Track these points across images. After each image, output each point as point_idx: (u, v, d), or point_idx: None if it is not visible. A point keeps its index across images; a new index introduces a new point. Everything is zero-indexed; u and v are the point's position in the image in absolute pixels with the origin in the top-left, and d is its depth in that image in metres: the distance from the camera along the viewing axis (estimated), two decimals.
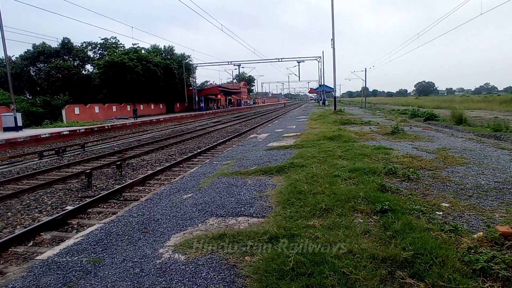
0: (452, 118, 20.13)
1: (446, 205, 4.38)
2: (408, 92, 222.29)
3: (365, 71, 51.28)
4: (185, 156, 12.32)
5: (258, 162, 8.10)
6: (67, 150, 15.74)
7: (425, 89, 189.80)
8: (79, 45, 46.38)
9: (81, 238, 4.08)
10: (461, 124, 18.47)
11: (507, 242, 3.17)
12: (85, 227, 5.86)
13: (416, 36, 61.59)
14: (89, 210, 6.86)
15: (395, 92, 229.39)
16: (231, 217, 4.46)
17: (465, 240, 3.29)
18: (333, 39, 27.47)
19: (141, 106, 43.58)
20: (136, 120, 32.33)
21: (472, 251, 3.05)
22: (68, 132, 21.63)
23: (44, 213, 6.91)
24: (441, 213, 4.12)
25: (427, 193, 4.93)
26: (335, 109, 30.31)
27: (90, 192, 8.32)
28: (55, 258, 3.55)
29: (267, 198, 5.14)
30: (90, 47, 48.29)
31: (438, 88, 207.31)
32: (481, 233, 3.41)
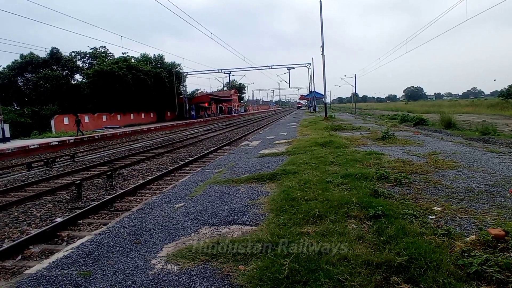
0: (441, 122, 20.43)
1: (438, 209, 4.41)
2: (397, 97, 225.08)
3: (355, 77, 51.91)
4: (177, 165, 12.23)
5: (250, 170, 8.08)
6: (56, 161, 15.48)
7: (414, 94, 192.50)
8: (68, 55, 45.84)
9: (71, 250, 3.99)
10: (450, 128, 18.74)
11: (499, 244, 3.19)
12: (75, 239, 5.75)
13: (404, 42, 62.69)
14: (79, 221, 6.75)
15: (384, 97, 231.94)
16: (224, 226, 4.42)
17: (459, 243, 3.30)
18: (322, 46, 27.76)
19: (131, 115, 43.36)
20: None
21: (466, 254, 3.06)
22: (57, 143, 21.36)
23: (33, 225, 6.77)
24: (433, 217, 4.13)
25: (419, 198, 4.96)
26: (325, 115, 30.49)
27: (80, 203, 8.19)
28: (44, 272, 3.47)
29: (260, 206, 5.12)
30: (79, 56, 47.75)
31: (426, 93, 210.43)
32: (474, 236, 3.43)
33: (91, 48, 48.56)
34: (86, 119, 34.60)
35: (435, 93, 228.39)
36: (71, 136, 24.77)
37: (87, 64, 48.40)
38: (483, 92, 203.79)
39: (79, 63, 47.99)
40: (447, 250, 3.20)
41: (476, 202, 4.65)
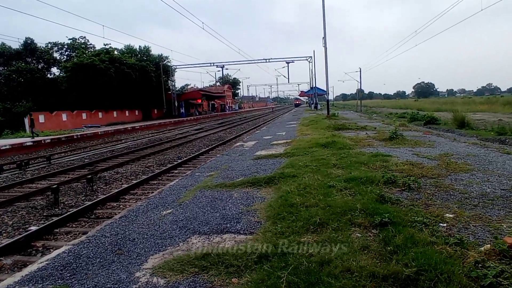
0: (454, 121, 20.57)
1: (450, 216, 4.44)
2: (406, 94, 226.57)
3: (360, 71, 51.94)
4: (164, 168, 12.21)
5: (245, 173, 8.08)
6: (30, 163, 15.40)
7: (425, 90, 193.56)
8: (44, 46, 45.66)
9: (47, 262, 3.97)
10: (464, 128, 18.88)
11: None
12: (51, 250, 5.71)
13: (413, 33, 63.03)
14: (56, 230, 6.72)
15: (392, 94, 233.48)
16: (215, 235, 4.42)
17: (472, 253, 3.32)
18: (324, 38, 27.84)
19: (114, 113, 43.18)
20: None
21: (480, 265, 3.08)
22: (31, 143, 21.23)
23: (4, 234, 6.73)
24: (445, 224, 4.16)
25: (429, 203, 4.99)
26: (328, 113, 30.59)
27: (57, 210, 8.15)
28: (16, 286, 3.45)
29: (256, 213, 5.12)
30: (56, 48, 47.54)
31: (438, 90, 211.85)
32: (489, 245, 3.45)
33: (69, 39, 48.40)
34: (64, 117, 34.42)
35: (447, 90, 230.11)
36: (47, 136, 24.63)
37: (65, 57, 48.20)
38: (499, 89, 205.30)
39: (56, 55, 47.81)
40: (460, 260, 3.22)
41: (491, 208, 4.68)
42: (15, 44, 43.56)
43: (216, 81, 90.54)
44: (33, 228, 6.81)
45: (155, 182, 10.40)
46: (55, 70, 47.00)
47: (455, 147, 10.24)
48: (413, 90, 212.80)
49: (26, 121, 29.88)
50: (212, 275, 3.33)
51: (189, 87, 79.49)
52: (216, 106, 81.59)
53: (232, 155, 11.55)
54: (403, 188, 5.78)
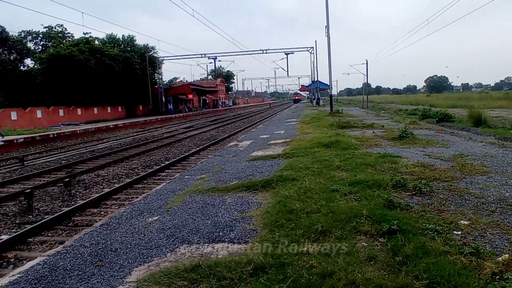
0: (470, 118, 20.65)
1: (465, 222, 4.45)
2: (417, 88, 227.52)
3: (366, 64, 52.15)
4: (150, 170, 12.21)
5: (239, 176, 8.09)
6: (1, 164, 15.33)
7: (438, 85, 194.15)
8: (17, 35, 45.42)
9: (19, 275, 3.95)
10: (480, 126, 18.96)
11: None
12: (24, 261, 5.68)
13: (425, 22, 63.22)
14: (29, 239, 6.69)
15: (402, 88, 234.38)
16: (207, 244, 4.42)
17: (488, 264, 3.33)
18: (327, 26, 27.87)
19: (95, 109, 43.01)
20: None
21: (497, 277, 3.09)
22: (2, 143, 21.11)
23: None
24: (459, 232, 4.17)
25: (442, 209, 5.01)
26: (331, 110, 30.66)
27: (31, 217, 8.11)
28: None
29: (251, 220, 5.12)
30: (30, 37, 47.28)
31: (452, 84, 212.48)
32: (507, 255, 3.46)
33: (45, 27, 48.12)
34: (39, 113, 34.21)
35: (462, 84, 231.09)
36: (20, 134, 24.49)
37: (40, 47, 47.97)
38: None
39: (31, 45, 47.54)
40: (475, 272, 3.23)
41: (510, 214, 4.70)
42: None
43: (208, 74, 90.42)
44: (4, 237, 6.77)
45: (140, 186, 10.39)
46: (29, 62, 46.80)
47: (471, 147, 10.29)
48: (424, 84, 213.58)
49: None
50: None
51: (178, 80, 79.42)
52: (207, 101, 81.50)
53: (225, 156, 11.55)
54: (413, 192, 5.79)
